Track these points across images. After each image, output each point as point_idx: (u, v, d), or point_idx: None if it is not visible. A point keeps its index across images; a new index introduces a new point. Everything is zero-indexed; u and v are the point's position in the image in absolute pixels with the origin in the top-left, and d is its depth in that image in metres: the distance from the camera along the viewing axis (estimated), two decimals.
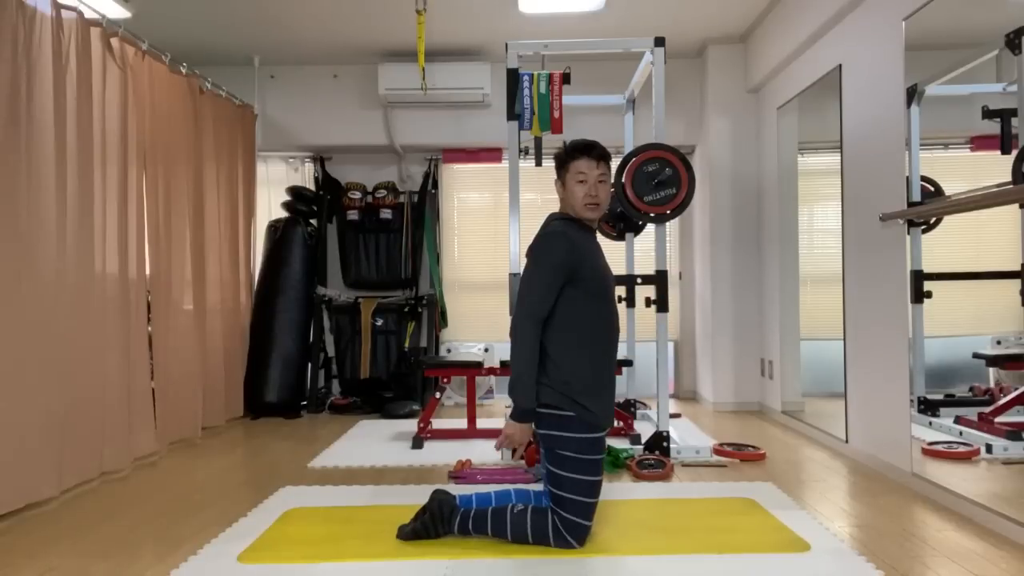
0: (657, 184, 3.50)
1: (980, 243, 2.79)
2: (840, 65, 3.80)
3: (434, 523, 2.43)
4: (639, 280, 3.84)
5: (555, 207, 2.65)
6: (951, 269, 2.96)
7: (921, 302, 3.06)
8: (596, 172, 2.48)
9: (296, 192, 5.60)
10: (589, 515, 2.37)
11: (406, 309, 5.46)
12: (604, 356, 2.43)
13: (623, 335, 4.89)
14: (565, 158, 2.52)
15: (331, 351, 5.49)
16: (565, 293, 2.38)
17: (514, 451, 2.42)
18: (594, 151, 2.50)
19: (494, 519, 2.40)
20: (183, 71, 4.31)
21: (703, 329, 5.52)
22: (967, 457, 2.81)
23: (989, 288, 2.71)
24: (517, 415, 2.36)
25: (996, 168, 2.57)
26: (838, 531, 2.57)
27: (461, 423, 4.47)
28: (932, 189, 3.04)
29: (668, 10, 4.67)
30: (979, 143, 2.76)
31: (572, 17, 4.72)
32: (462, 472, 3.35)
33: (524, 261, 2.50)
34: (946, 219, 2.97)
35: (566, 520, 2.35)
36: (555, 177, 2.56)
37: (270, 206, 5.80)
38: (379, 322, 5.42)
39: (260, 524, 2.69)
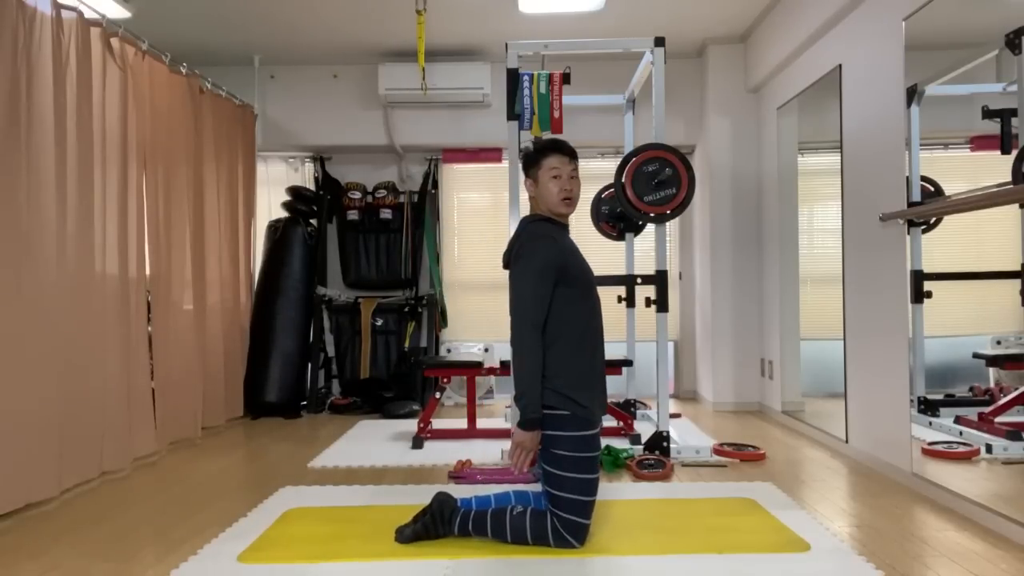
0: (657, 184, 3.50)
1: (980, 243, 2.79)
2: (840, 65, 3.80)
3: (435, 524, 2.43)
4: (639, 280, 3.83)
5: None
6: (951, 269, 2.96)
7: (921, 302, 3.06)
8: (569, 168, 2.50)
9: (296, 192, 5.60)
10: (587, 513, 2.37)
11: (406, 309, 5.46)
12: (595, 350, 2.45)
13: (623, 335, 4.92)
14: (536, 156, 2.53)
15: (331, 351, 5.49)
16: (555, 294, 2.39)
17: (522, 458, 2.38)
18: (566, 148, 2.53)
19: (493, 521, 2.40)
20: (183, 71, 4.31)
21: (703, 329, 5.52)
22: (967, 457, 2.81)
23: (989, 288, 2.71)
24: (527, 424, 2.35)
25: (996, 168, 2.57)
26: (838, 531, 2.57)
27: (461, 423, 4.47)
28: (932, 189, 3.04)
29: (668, 10, 4.67)
30: (979, 143, 2.76)
31: (572, 17, 4.72)
32: (462, 472, 3.35)
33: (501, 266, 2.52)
34: (946, 219, 2.97)
35: (565, 520, 2.34)
36: (524, 177, 2.56)
37: (270, 206, 5.80)
38: (379, 322, 5.43)
39: (260, 524, 2.69)
